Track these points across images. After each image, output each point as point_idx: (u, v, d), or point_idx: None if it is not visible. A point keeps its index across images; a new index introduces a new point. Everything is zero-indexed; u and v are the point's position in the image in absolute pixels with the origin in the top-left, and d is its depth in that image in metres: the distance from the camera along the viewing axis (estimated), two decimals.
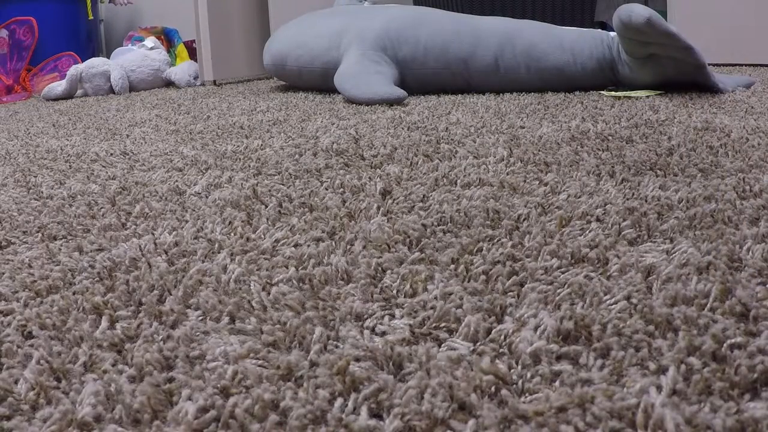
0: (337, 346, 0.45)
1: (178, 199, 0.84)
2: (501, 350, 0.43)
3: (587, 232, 0.63)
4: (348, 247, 0.63)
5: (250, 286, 0.55)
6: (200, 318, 0.50)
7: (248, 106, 1.79)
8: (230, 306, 0.51)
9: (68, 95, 2.42)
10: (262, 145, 1.19)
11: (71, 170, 1.06)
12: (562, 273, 0.54)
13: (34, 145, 1.36)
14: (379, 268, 0.57)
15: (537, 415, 0.36)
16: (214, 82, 2.52)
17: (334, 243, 0.63)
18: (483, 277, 0.55)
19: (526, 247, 0.60)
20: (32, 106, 2.23)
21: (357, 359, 0.42)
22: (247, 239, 0.66)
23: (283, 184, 0.89)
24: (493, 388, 0.39)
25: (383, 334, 0.46)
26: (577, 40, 1.74)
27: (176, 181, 0.94)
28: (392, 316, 0.49)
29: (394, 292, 0.53)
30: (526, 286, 0.52)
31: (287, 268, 0.58)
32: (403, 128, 1.28)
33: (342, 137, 1.21)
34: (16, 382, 0.42)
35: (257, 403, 0.38)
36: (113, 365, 0.44)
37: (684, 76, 1.58)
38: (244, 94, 2.12)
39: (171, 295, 0.54)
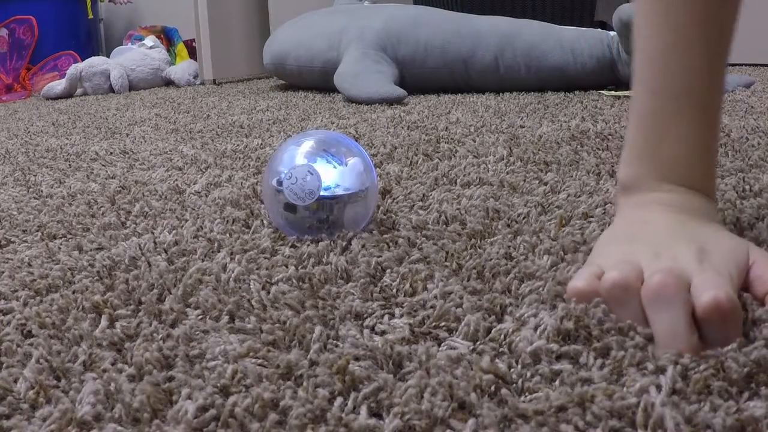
0: (336, 345, 0.45)
1: (178, 198, 0.84)
2: (501, 349, 0.43)
3: (586, 230, 0.63)
4: (347, 245, 0.62)
5: (249, 285, 0.55)
6: (200, 317, 0.50)
7: (248, 105, 1.79)
8: (230, 305, 0.51)
9: (68, 94, 2.41)
10: (261, 144, 1.19)
11: (71, 169, 1.06)
12: (560, 271, 0.54)
13: (33, 143, 1.35)
14: (379, 267, 0.57)
15: (537, 414, 0.36)
16: (214, 81, 2.51)
17: (333, 242, 0.63)
18: (484, 275, 0.55)
19: (526, 246, 0.60)
20: (32, 105, 2.23)
21: (357, 358, 0.42)
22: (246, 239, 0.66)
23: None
24: (492, 387, 0.39)
25: (383, 333, 0.46)
26: (576, 39, 1.74)
27: (176, 180, 0.94)
28: (392, 315, 0.49)
29: (394, 291, 0.53)
30: (525, 284, 0.52)
31: (287, 267, 0.58)
32: (402, 127, 1.28)
33: None
34: (15, 381, 0.42)
35: (257, 402, 0.38)
36: (113, 364, 0.44)
37: None
38: (243, 93, 2.12)
39: (171, 294, 0.54)
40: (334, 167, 0.64)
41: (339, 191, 0.64)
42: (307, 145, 0.66)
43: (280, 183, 0.63)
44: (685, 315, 0.41)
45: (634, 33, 0.55)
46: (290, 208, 0.64)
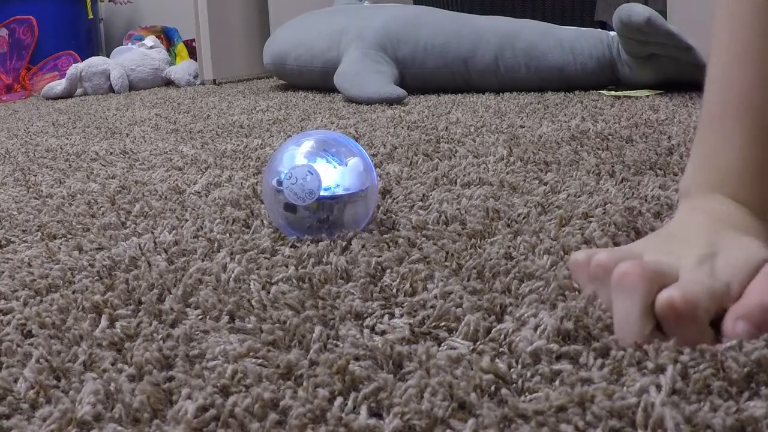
0: (336, 345, 0.45)
1: (178, 198, 0.84)
2: (501, 349, 0.43)
3: (586, 231, 0.63)
4: (347, 245, 0.62)
5: (249, 285, 0.55)
6: (200, 317, 0.50)
7: (248, 105, 1.79)
8: (230, 305, 0.51)
9: (68, 94, 2.41)
10: (261, 144, 1.19)
11: (71, 169, 1.06)
12: (560, 271, 0.54)
13: (33, 143, 1.36)
14: (379, 267, 0.57)
15: (537, 414, 0.36)
16: (214, 81, 2.51)
17: (333, 242, 0.63)
18: (484, 275, 0.55)
19: (526, 246, 0.60)
20: (32, 105, 2.23)
21: (357, 358, 0.42)
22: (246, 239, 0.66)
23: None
24: (492, 387, 0.39)
25: (383, 333, 0.46)
26: (576, 39, 1.74)
27: (176, 180, 0.94)
28: (392, 315, 0.49)
29: (394, 291, 0.53)
30: (525, 284, 0.52)
31: (287, 267, 0.58)
32: (402, 127, 1.28)
33: None
34: (15, 381, 0.42)
35: (257, 402, 0.38)
36: (113, 364, 0.44)
37: (684, 76, 1.58)
38: (243, 93, 2.12)
39: (171, 294, 0.54)
40: (334, 167, 0.64)
41: (339, 191, 0.64)
42: (307, 145, 0.66)
43: (280, 183, 0.63)
44: (640, 305, 0.42)
45: (714, 33, 0.55)
46: (290, 208, 0.64)
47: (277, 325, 0.47)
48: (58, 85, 2.41)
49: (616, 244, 0.60)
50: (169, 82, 2.63)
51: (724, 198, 0.51)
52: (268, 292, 0.53)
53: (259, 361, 0.43)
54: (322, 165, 0.64)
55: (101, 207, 0.82)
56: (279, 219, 0.66)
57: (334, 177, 0.64)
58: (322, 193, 0.63)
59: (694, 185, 0.53)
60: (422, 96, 1.78)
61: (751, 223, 0.50)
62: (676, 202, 0.71)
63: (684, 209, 0.53)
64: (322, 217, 0.64)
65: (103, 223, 0.74)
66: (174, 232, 0.70)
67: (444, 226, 0.67)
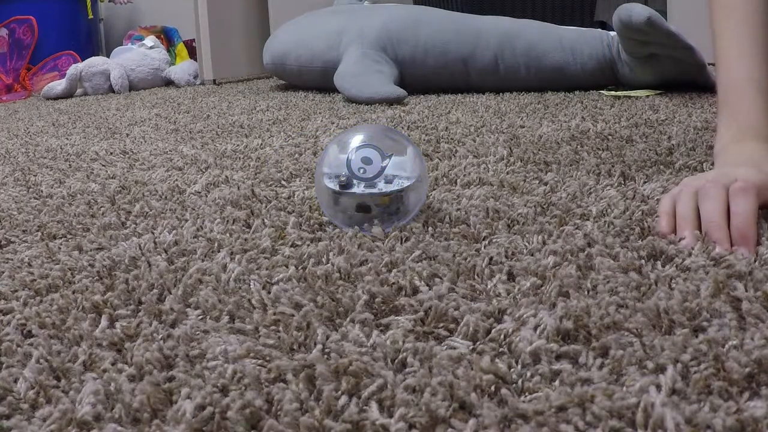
0: (337, 345, 0.45)
1: (178, 198, 0.84)
2: (501, 349, 0.43)
3: (586, 230, 0.63)
4: (347, 245, 0.62)
5: (249, 285, 0.55)
6: (200, 317, 0.50)
7: (248, 105, 1.79)
8: (230, 305, 0.51)
9: (68, 94, 2.41)
10: (261, 144, 1.19)
11: (71, 169, 1.06)
12: (560, 271, 0.54)
13: (33, 144, 1.35)
14: (380, 267, 0.57)
15: (537, 414, 0.36)
16: (214, 81, 2.51)
17: (332, 242, 0.63)
18: (483, 275, 0.55)
19: (526, 246, 0.60)
20: (32, 105, 2.23)
21: (358, 358, 0.42)
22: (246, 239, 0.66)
23: (283, 184, 0.89)
24: (493, 387, 0.39)
25: (383, 332, 0.46)
26: (576, 39, 1.74)
27: (176, 180, 0.94)
28: (392, 315, 0.49)
29: (394, 290, 0.53)
30: (525, 284, 0.52)
31: (287, 267, 0.58)
32: (403, 127, 1.28)
33: None
34: (15, 381, 0.42)
35: (257, 402, 0.38)
36: (113, 364, 0.44)
37: (684, 76, 1.58)
38: (243, 93, 2.12)
39: (171, 294, 0.54)
40: (393, 157, 0.66)
41: (405, 182, 0.66)
42: (358, 139, 0.67)
43: (343, 186, 0.65)
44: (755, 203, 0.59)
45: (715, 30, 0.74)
46: (363, 208, 0.66)
47: (277, 325, 0.47)
48: (58, 85, 2.40)
49: (616, 244, 0.60)
50: (169, 82, 2.63)
51: (752, 140, 0.67)
52: (269, 292, 0.53)
53: (259, 361, 0.43)
54: (377, 155, 0.66)
55: (101, 207, 0.82)
56: (343, 219, 0.67)
57: (399, 166, 0.66)
58: (393, 188, 0.65)
59: (729, 139, 0.69)
60: (422, 96, 1.78)
61: None
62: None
63: (725, 155, 0.68)
64: (393, 210, 0.66)
65: (103, 223, 0.74)
66: (174, 232, 0.70)
67: (446, 225, 0.67)
